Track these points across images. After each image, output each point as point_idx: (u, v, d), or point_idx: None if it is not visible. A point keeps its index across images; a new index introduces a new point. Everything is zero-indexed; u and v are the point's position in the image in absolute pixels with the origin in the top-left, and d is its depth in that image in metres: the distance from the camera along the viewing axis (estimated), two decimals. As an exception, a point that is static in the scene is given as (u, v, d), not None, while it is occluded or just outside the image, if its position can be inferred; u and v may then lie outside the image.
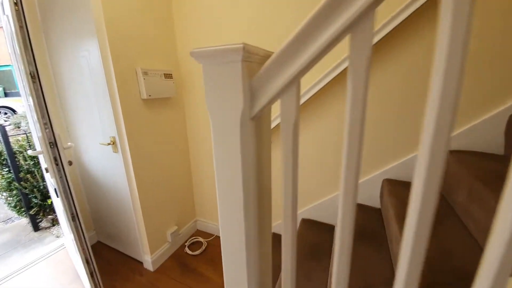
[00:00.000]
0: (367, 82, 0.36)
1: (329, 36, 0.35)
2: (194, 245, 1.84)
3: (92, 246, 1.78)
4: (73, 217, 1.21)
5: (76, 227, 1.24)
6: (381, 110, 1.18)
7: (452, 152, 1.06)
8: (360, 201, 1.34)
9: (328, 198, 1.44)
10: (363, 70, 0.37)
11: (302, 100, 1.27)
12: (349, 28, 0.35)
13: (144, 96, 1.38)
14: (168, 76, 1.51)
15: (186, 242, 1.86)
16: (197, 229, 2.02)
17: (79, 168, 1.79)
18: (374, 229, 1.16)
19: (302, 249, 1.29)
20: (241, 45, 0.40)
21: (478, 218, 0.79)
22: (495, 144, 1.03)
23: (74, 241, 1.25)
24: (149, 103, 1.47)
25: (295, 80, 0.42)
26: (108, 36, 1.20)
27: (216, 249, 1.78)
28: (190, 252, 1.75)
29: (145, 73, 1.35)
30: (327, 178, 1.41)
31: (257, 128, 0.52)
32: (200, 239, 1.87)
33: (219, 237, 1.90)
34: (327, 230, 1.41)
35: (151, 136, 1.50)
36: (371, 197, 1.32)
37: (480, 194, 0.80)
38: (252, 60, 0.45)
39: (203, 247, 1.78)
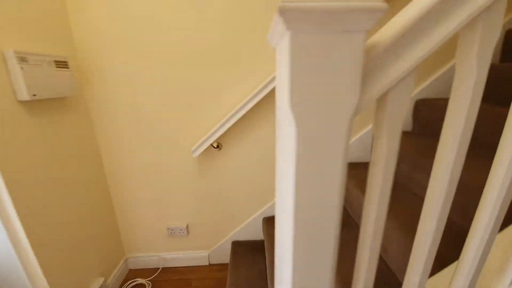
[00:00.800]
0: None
1: None
2: (133, 292, 1.39)
3: None
4: None
5: None
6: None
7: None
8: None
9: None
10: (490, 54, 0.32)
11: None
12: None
13: (25, 96, 0.85)
14: (61, 64, 1.00)
15: (119, 292, 1.38)
16: (130, 269, 1.54)
17: None
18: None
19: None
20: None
21: (424, 183, 0.99)
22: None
23: None
24: (33, 108, 0.92)
25: (419, 62, 0.32)
26: None
27: (167, 286, 1.42)
28: (129, 303, 1.31)
29: (22, 59, 0.82)
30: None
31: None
32: (140, 280, 1.43)
33: (166, 268, 1.51)
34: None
35: (40, 158, 0.96)
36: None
37: (422, 164, 0.99)
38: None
39: (147, 290, 1.38)
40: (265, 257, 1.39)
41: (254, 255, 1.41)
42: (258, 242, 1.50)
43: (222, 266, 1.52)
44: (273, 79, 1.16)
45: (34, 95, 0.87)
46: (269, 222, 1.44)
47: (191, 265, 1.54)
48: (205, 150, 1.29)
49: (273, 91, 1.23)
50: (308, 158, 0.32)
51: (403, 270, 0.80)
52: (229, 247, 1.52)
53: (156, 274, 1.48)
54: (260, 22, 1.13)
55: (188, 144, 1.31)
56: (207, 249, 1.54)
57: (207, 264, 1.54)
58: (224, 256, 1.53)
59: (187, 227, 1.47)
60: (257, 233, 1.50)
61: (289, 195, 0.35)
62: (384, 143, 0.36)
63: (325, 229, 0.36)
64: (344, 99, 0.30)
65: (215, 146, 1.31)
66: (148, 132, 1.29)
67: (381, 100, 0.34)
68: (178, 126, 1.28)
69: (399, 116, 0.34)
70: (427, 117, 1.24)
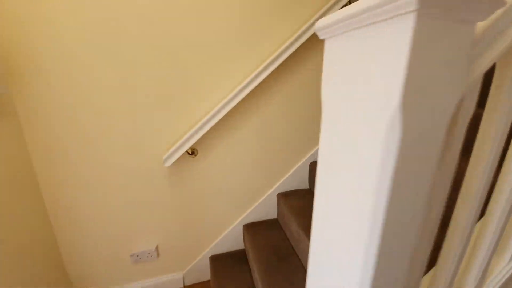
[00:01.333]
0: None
1: None
2: None
3: None
4: None
5: None
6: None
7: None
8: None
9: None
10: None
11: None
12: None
13: None
14: (-24, 52, 0.72)
15: None
16: (81, 313, 1.23)
17: None
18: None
19: (265, 257, 1.17)
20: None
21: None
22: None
23: None
24: None
25: (496, 60, 0.32)
26: None
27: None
28: None
29: None
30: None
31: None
32: (98, 324, 1.16)
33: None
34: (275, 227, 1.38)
35: None
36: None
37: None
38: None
39: (109, 333, 1.12)
40: (248, 266, 1.31)
41: (236, 266, 1.32)
42: (238, 252, 1.42)
43: (200, 285, 1.37)
44: (252, 80, 1.10)
45: None
46: (249, 229, 1.37)
47: (162, 291, 1.33)
48: (178, 157, 1.14)
49: (252, 92, 1.17)
50: (409, 159, 0.29)
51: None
52: (206, 263, 1.38)
53: (119, 311, 1.23)
54: (236, 25, 1.07)
55: (157, 152, 1.13)
56: (181, 270, 1.36)
57: (182, 286, 1.36)
58: (201, 274, 1.39)
59: (156, 249, 1.26)
60: (236, 243, 1.41)
61: (376, 209, 0.31)
62: (455, 147, 0.35)
63: (407, 238, 0.34)
64: (449, 95, 0.28)
65: (190, 153, 1.17)
66: (104, 140, 1.05)
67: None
68: (145, 132, 1.09)
69: (470, 114, 0.34)
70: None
